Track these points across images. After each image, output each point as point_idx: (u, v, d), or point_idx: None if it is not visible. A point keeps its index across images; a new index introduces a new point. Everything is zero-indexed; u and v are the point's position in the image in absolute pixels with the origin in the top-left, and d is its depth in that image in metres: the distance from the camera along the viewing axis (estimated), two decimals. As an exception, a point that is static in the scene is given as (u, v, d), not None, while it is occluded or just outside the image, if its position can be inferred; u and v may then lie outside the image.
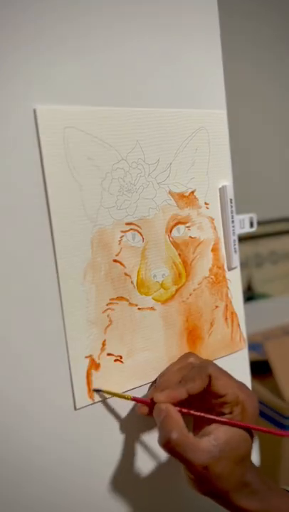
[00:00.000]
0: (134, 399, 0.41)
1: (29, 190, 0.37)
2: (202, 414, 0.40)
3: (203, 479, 0.38)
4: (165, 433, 0.37)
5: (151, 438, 0.45)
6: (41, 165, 0.37)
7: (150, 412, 0.41)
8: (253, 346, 1.25)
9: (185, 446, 0.37)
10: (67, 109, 0.38)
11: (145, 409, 0.41)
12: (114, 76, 0.41)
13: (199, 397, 0.40)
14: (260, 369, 1.23)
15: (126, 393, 0.42)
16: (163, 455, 0.46)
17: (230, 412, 0.40)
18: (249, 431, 0.41)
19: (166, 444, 0.37)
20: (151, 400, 0.40)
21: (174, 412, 0.39)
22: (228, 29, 0.56)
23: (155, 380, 0.44)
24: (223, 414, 0.40)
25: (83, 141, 0.39)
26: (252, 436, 0.41)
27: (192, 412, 0.40)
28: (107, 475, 0.43)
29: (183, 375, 0.42)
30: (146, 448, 0.45)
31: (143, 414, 0.41)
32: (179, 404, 0.40)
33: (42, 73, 0.37)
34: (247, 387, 0.42)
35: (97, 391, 0.41)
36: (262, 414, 1.28)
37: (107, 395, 0.41)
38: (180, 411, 0.39)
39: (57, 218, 0.38)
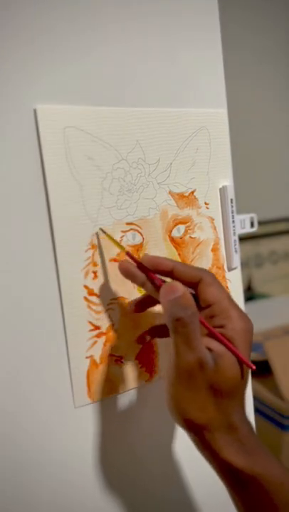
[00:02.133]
0: (127, 253, 0.39)
1: (29, 190, 0.37)
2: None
3: (193, 385, 0.34)
4: (181, 308, 0.34)
5: (151, 438, 0.45)
6: (41, 165, 0.37)
7: (132, 275, 0.38)
8: (253, 346, 1.25)
9: (196, 331, 0.34)
10: (67, 109, 0.38)
11: (129, 267, 0.38)
12: (114, 76, 0.41)
13: None
14: (260, 369, 1.23)
15: (127, 391, 0.42)
16: (163, 454, 0.46)
17: (221, 326, 0.36)
18: (239, 362, 0.35)
19: (179, 319, 0.34)
20: (139, 262, 0.38)
21: (190, 295, 0.35)
22: (228, 28, 0.56)
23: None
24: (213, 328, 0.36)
25: (83, 141, 0.39)
26: (242, 369, 0.36)
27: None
28: (106, 474, 0.43)
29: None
30: (146, 447, 0.45)
31: (124, 271, 0.39)
32: None
33: (42, 73, 0.37)
34: (243, 311, 0.37)
35: (102, 231, 0.40)
36: (262, 413, 1.28)
37: (107, 238, 0.40)
38: None
39: (57, 218, 0.38)
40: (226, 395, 0.35)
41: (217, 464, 0.34)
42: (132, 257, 0.39)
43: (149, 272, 0.38)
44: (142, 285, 0.39)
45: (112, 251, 0.41)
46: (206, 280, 0.37)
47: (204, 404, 0.34)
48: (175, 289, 0.35)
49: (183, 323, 0.34)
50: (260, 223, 0.55)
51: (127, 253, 0.39)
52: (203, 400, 0.34)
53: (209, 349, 0.35)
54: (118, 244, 0.40)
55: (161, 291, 0.36)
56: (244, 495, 0.34)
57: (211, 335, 0.36)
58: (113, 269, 0.41)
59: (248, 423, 0.36)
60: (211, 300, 0.37)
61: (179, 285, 0.35)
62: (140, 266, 0.38)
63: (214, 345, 0.35)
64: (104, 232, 0.40)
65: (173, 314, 0.34)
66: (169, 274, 0.37)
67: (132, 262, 0.39)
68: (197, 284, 0.37)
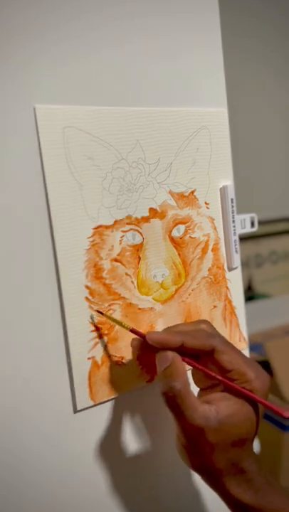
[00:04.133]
0: (132, 330, 0.40)
1: (29, 190, 0.37)
2: (205, 369, 0.38)
3: (196, 446, 0.36)
4: (168, 381, 0.36)
5: (152, 439, 0.45)
6: (41, 165, 0.37)
7: (142, 349, 0.40)
8: (253, 346, 1.25)
9: (186, 401, 0.36)
10: (67, 108, 0.38)
11: (137, 343, 0.40)
12: (114, 75, 0.41)
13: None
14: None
15: (128, 392, 0.42)
16: (165, 457, 0.46)
17: None
18: (256, 413, 0.38)
19: (167, 392, 0.36)
20: (144, 336, 0.39)
21: (180, 363, 0.37)
22: (229, 27, 0.55)
23: None
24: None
25: (83, 141, 0.39)
26: (258, 419, 0.38)
27: (196, 364, 0.38)
28: (107, 477, 0.42)
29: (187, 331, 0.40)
30: (147, 449, 0.45)
31: (134, 348, 0.41)
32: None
33: (42, 73, 0.37)
34: (258, 366, 0.40)
35: (100, 313, 0.40)
36: (262, 414, 1.27)
37: (109, 320, 0.41)
38: (184, 360, 0.38)
39: (57, 218, 0.38)
40: (238, 445, 0.37)
41: (227, 500, 0.38)
42: (137, 333, 0.40)
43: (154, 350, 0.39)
44: None
45: (112, 251, 0.41)
46: (218, 349, 0.39)
47: (215, 457, 0.37)
48: (164, 359, 0.37)
49: (168, 398, 0.36)
50: (260, 223, 0.55)
51: (132, 330, 0.40)
52: (212, 455, 0.37)
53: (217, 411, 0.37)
54: (120, 323, 0.40)
55: (156, 362, 0.38)
56: None
57: (229, 390, 0.38)
58: (113, 269, 0.41)
59: (258, 461, 0.38)
60: (229, 367, 0.38)
61: (169, 354, 0.37)
62: (145, 342, 0.39)
63: (223, 406, 0.37)
64: (102, 313, 0.40)
65: (161, 387, 0.37)
66: (180, 348, 0.38)
67: (140, 335, 0.40)
68: (212, 353, 0.39)
